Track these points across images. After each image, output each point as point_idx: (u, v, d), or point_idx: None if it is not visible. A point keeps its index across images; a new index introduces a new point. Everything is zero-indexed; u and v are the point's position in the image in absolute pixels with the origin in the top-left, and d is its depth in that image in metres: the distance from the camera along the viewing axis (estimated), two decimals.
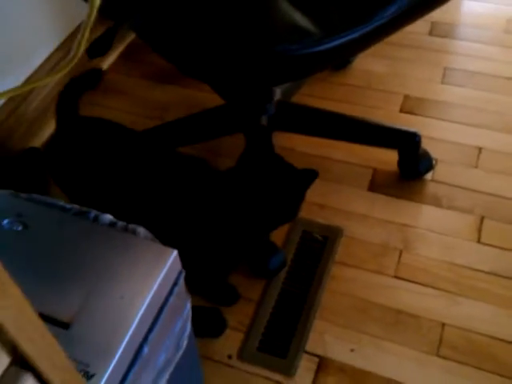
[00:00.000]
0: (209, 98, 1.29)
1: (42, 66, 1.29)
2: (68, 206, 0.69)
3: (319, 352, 1.00)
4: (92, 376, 0.54)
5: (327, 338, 1.01)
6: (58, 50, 1.33)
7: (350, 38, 0.74)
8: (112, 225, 0.67)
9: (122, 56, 1.52)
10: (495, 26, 1.53)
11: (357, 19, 0.75)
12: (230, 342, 1.01)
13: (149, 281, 0.60)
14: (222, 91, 1.16)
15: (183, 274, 0.65)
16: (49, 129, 1.31)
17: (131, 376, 0.59)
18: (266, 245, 1.08)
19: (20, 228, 0.65)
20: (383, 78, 1.41)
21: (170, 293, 0.63)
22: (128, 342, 0.57)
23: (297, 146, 1.27)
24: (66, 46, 1.34)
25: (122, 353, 0.56)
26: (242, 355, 1.00)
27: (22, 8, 1.22)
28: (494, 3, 1.59)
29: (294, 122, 1.22)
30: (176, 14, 0.82)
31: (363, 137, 1.21)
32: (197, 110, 1.25)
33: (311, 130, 1.23)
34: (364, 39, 0.77)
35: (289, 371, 0.98)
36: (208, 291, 1.04)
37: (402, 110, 1.34)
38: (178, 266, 0.64)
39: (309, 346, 1.00)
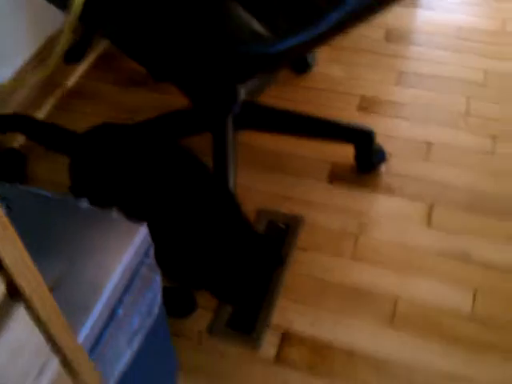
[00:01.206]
0: (178, 101, 1.39)
1: (16, 73, 1.36)
2: (49, 194, 0.79)
3: (282, 326, 1.10)
4: None
5: (289, 314, 1.11)
6: (31, 58, 1.39)
7: (299, 40, 0.85)
8: (89, 207, 0.76)
9: (94, 63, 1.61)
10: (447, 33, 1.65)
11: (304, 23, 0.87)
12: (199, 320, 1.11)
13: (121, 251, 0.70)
14: (190, 93, 1.26)
15: (152, 248, 0.75)
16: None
17: (107, 334, 0.68)
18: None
19: (3, 210, 0.74)
20: (342, 80, 1.53)
21: (141, 263, 0.73)
22: (104, 304, 0.66)
23: (260, 144, 1.38)
24: (39, 55, 1.40)
25: (99, 313, 0.66)
26: (212, 332, 1.09)
27: None
28: (447, 12, 1.72)
29: (258, 120, 1.32)
30: (145, 21, 0.92)
31: (322, 133, 1.32)
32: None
33: (275, 128, 1.33)
34: (313, 41, 0.88)
35: (255, 345, 1.07)
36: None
37: (358, 109, 1.46)
38: (148, 240, 0.74)
39: (273, 322, 1.10)
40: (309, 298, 1.13)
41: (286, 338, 1.08)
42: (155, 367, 0.91)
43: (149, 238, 0.74)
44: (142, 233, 0.72)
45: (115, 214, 0.76)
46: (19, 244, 0.41)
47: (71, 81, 1.54)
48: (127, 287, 0.71)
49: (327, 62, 1.56)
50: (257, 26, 0.89)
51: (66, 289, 0.67)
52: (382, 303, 1.12)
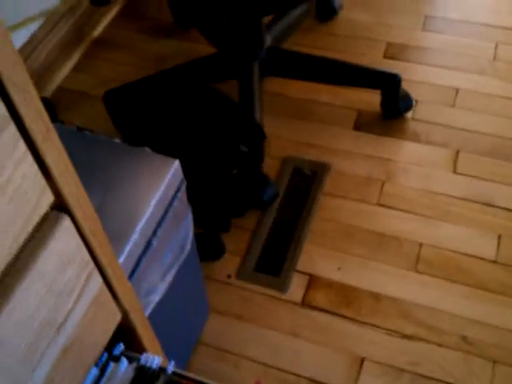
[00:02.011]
0: (204, 49, 1.39)
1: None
2: (85, 132, 0.80)
3: (309, 270, 1.11)
4: None
5: (316, 258, 1.13)
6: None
7: None
8: (123, 144, 0.77)
9: (121, 11, 1.61)
10: None
11: None
12: (228, 264, 1.13)
13: (156, 183, 0.71)
14: (216, 39, 1.25)
15: (185, 183, 0.76)
16: (57, 78, 1.41)
17: (142, 264, 0.70)
18: (259, 178, 1.18)
19: None
20: (367, 27, 1.50)
21: (174, 196, 0.74)
22: (140, 233, 0.68)
23: (286, 92, 1.37)
24: None
25: (135, 241, 0.67)
26: (240, 275, 1.11)
27: None
28: None
29: (284, 67, 1.31)
30: None
31: (348, 79, 1.31)
32: None
33: (300, 75, 1.32)
34: None
35: (282, 287, 1.09)
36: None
37: (385, 56, 1.44)
38: (180, 174, 0.75)
39: (300, 266, 1.12)
40: (335, 243, 1.14)
41: (313, 281, 1.10)
42: (187, 304, 0.93)
43: (181, 173, 0.75)
44: (174, 167, 0.73)
45: (148, 151, 0.77)
46: (63, 152, 0.42)
47: (98, 30, 1.54)
48: (161, 220, 0.72)
49: (352, 8, 1.53)
50: None
51: (103, 218, 0.68)
52: (407, 248, 1.12)
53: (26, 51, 1.34)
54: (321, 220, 1.18)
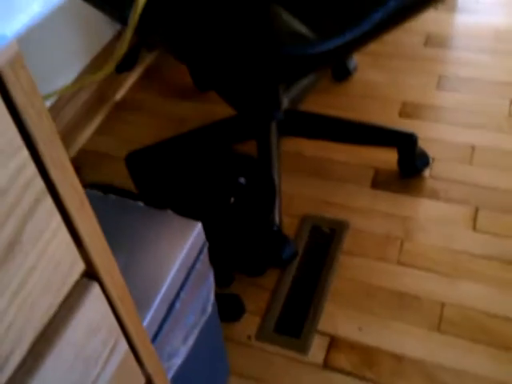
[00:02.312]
0: (222, 111, 1.42)
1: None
2: (105, 195, 0.81)
3: (330, 331, 1.10)
4: None
5: (337, 318, 1.11)
6: (84, 69, 1.47)
7: (342, 40, 0.87)
8: (145, 207, 0.78)
9: (142, 75, 1.66)
10: (485, 36, 1.65)
11: (347, 24, 0.88)
12: (248, 324, 1.12)
13: (179, 247, 0.71)
14: (234, 101, 1.29)
15: (207, 245, 0.77)
16: (80, 140, 1.44)
17: (165, 328, 0.70)
18: (278, 237, 1.19)
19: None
20: (382, 86, 1.53)
21: (197, 259, 0.74)
22: (163, 297, 0.68)
23: (304, 151, 1.39)
24: (95, 63, 1.48)
25: (158, 305, 0.67)
26: (260, 336, 1.10)
27: (54, 28, 1.35)
28: (484, 15, 1.72)
29: (301, 127, 1.34)
30: (192, 25, 0.95)
31: (365, 138, 1.33)
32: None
33: (317, 134, 1.35)
34: (355, 41, 0.89)
35: (303, 349, 1.08)
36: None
37: (400, 115, 1.46)
38: (203, 236, 0.75)
39: (321, 327, 1.10)
40: (355, 303, 1.13)
41: (334, 342, 1.08)
42: (208, 366, 0.92)
43: (203, 236, 0.76)
44: (197, 230, 0.74)
45: (170, 213, 0.78)
46: (95, 222, 0.43)
47: (120, 93, 1.59)
48: (184, 282, 0.72)
49: (367, 69, 1.57)
50: (300, 27, 0.91)
51: (126, 281, 0.69)
52: (429, 308, 1.11)
53: (52, 113, 1.38)
54: (340, 279, 1.17)
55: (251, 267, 1.17)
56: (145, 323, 0.65)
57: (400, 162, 1.32)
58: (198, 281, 0.76)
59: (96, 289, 0.45)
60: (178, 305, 0.71)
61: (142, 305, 0.66)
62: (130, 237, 0.72)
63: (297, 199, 1.30)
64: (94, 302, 0.44)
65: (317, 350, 1.08)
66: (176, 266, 0.70)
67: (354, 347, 1.07)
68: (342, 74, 1.54)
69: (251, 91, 1.16)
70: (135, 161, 1.29)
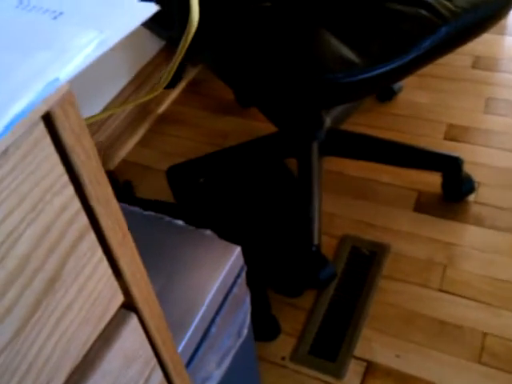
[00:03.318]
0: (264, 128, 1.42)
1: (115, 98, 1.45)
2: (146, 212, 0.82)
3: (367, 357, 1.08)
4: None
5: (374, 344, 1.09)
6: (129, 84, 1.49)
7: (389, 67, 0.85)
8: (184, 226, 0.78)
9: (184, 89, 1.67)
10: None
11: (395, 51, 0.86)
12: (283, 345, 1.10)
13: (217, 271, 0.71)
14: (276, 119, 1.28)
15: (245, 269, 0.76)
16: (123, 151, 1.46)
17: (200, 353, 0.69)
18: (317, 257, 1.17)
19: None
20: (428, 108, 1.51)
21: (234, 283, 0.74)
22: (198, 322, 0.67)
23: (346, 170, 1.37)
24: (136, 80, 1.50)
25: (194, 331, 0.67)
26: (295, 357, 1.09)
27: None
28: None
29: (343, 147, 1.32)
30: (239, 48, 0.95)
31: (409, 161, 1.30)
32: (253, 138, 1.38)
33: (359, 155, 1.33)
34: (402, 69, 0.88)
35: (339, 374, 1.06)
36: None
37: (446, 138, 1.43)
38: (241, 260, 0.75)
39: (357, 352, 1.08)
40: (394, 329, 1.11)
41: (371, 368, 1.06)
42: None
43: (242, 260, 0.75)
44: (236, 254, 0.73)
45: (210, 234, 0.77)
46: (136, 253, 0.43)
47: (163, 107, 1.60)
48: (220, 306, 0.71)
49: (413, 89, 1.54)
50: (347, 52, 0.90)
51: (163, 305, 0.68)
52: (470, 338, 1.08)
53: (96, 125, 1.40)
54: (379, 303, 1.15)
55: (288, 287, 1.16)
56: (180, 348, 0.65)
57: (444, 185, 1.29)
58: (235, 305, 0.76)
59: (134, 320, 0.45)
60: (213, 329, 0.70)
61: (177, 330, 0.66)
62: (167, 259, 0.72)
63: (337, 219, 1.28)
64: (131, 333, 0.44)
65: (353, 375, 1.06)
66: (213, 290, 0.69)
67: (390, 374, 1.05)
68: (387, 94, 1.52)
69: (293, 111, 1.16)
70: (176, 174, 1.29)
